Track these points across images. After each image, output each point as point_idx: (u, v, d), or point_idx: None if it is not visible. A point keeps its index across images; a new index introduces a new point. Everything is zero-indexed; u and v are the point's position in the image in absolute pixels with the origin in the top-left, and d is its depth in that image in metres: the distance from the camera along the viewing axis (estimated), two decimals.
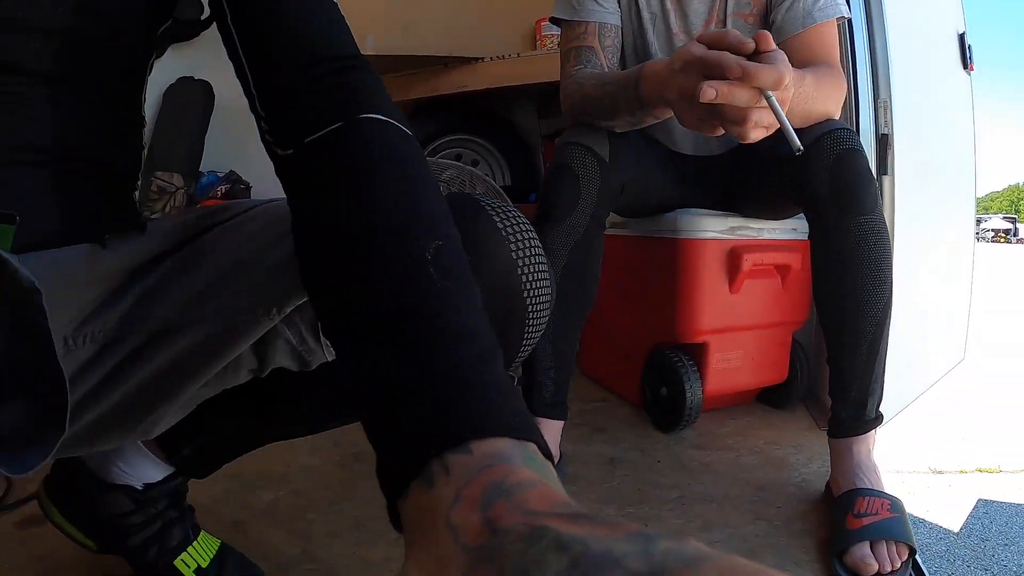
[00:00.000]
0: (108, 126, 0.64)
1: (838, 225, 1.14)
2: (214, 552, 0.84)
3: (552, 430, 1.25)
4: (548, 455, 0.37)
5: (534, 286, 0.66)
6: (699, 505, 1.17)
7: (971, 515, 2.71)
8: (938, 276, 2.24)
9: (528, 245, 0.65)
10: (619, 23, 1.37)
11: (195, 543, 0.83)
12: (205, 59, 2.55)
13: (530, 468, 0.34)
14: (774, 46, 0.94)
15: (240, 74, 0.55)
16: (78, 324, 0.58)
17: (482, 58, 2.53)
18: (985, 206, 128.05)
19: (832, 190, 1.13)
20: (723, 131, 1.01)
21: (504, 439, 0.35)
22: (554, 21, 1.40)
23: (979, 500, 2.78)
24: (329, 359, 0.68)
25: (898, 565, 0.97)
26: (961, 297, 2.45)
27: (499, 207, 0.66)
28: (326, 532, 1.06)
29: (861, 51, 1.77)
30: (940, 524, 2.61)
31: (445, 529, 0.31)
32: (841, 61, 1.37)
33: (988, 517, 2.73)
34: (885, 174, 1.72)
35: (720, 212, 1.51)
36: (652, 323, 1.63)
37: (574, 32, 1.34)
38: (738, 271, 1.51)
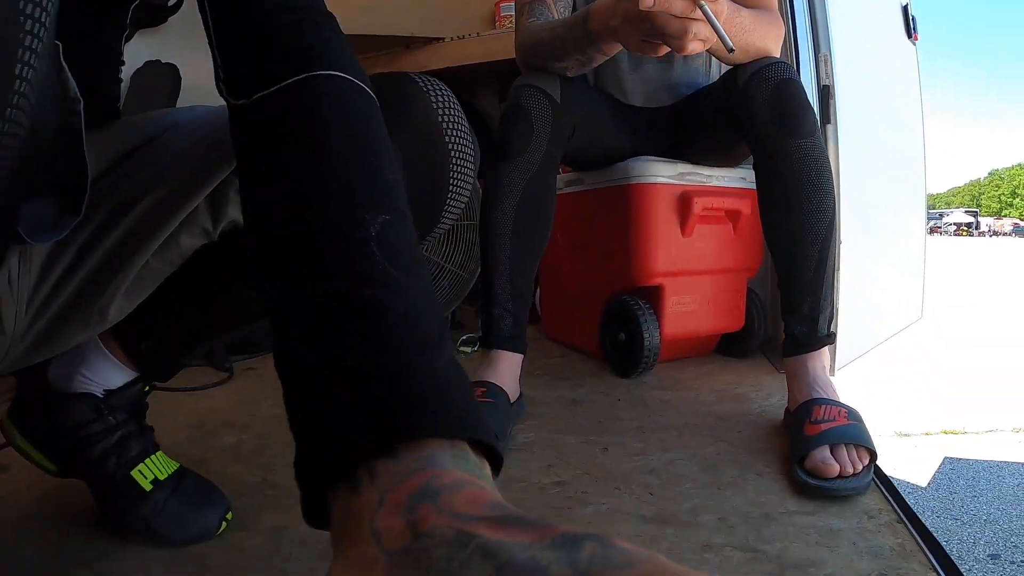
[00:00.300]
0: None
1: (780, 148, 1.20)
2: (173, 470, 0.85)
3: (511, 363, 1.27)
4: (488, 447, 0.37)
5: (455, 135, 0.73)
6: (659, 433, 1.20)
7: (938, 471, 2.77)
8: (890, 231, 2.30)
9: (449, 103, 0.72)
10: None
11: (153, 456, 0.84)
12: (172, 44, 2.56)
13: (460, 469, 0.34)
14: None
15: (203, 16, 0.54)
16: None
17: (443, 38, 2.56)
18: (947, 201, 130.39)
19: (773, 116, 1.20)
20: (666, 49, 1.08)
21: (434, 440, 0.35)
22: None
23: (945, 458, 2.85)
24: None
25: (860, 468, 0.96)
26: (915, 253, 2.51)
27: (426, 78, 0.72)
28: (287, 465, 1.06)
29: (800, 7, 1.83)
30: (908, 480, 2.66)
31: (369, 534, 0.31)
32: (782, 14, 1.43)
33: (955, 473, 2.80)
34: (828, 123, 1.77)
35: (670, 160, 1.56)
36: (609, 271, 1.66)
37: None
38: (689, 214, 1.55)
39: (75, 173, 0.55)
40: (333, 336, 0.39)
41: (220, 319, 0.83)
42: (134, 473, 0.81)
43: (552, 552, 0.26)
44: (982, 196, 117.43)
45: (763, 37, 1.24)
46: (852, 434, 1.00)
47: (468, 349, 1.86)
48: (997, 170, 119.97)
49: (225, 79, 0.52)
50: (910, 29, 2.48)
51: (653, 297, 1.58)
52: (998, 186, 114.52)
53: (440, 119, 0.72)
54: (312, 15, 0.53)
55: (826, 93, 1.79)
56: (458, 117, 0.74)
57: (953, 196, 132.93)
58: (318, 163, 0.45)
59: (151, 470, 0.82)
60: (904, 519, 0.86)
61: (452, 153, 0.74)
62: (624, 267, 1.59)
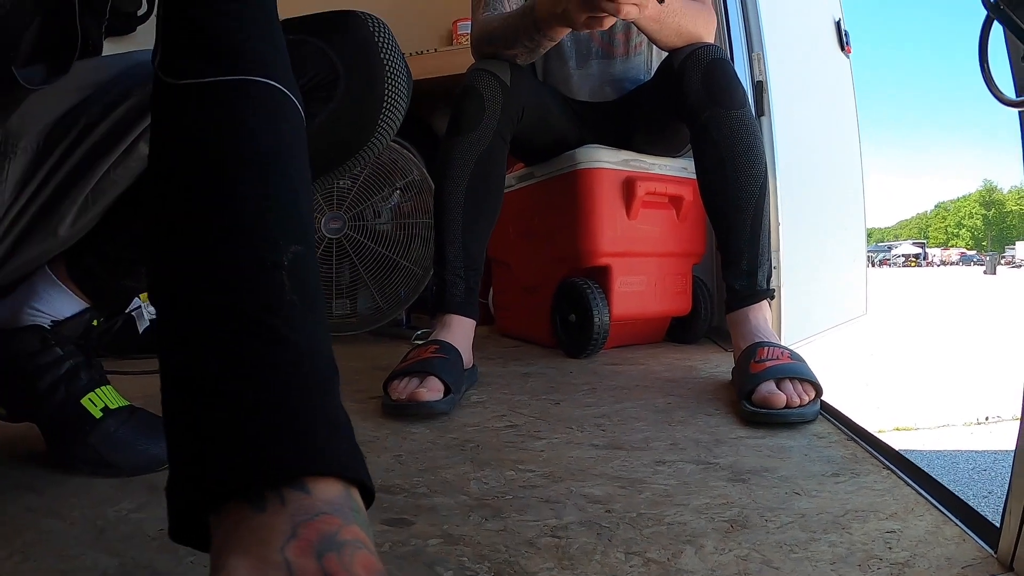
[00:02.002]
0: None
1: (714, 118, 1.28)
2: (125, 404, 0.84)
3: (464, 327, 1.30)
4: (370, 494, 0.40)
5: (389, 53, 0.81)
6: (611, 392, 1.22)
7: None
8: (830, 223, 2.38)
9: (384, 30, 0.81)
10: None
11: (104, 388, 0.83)
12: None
13: (357, 524, 0.36)
14: None
15: None
16: (49, 133, 0.72)
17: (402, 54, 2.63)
18: (895, 234, 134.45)
19: (705, 90, 1.29)
20: (611, 20, 1.17)
21: (336, 482, 0.37)
22: None
23: (900, 450, 2.92)
24: None
25: (806, 400, 0.99)
26: (856, 246, 2.60)
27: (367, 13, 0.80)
28: None
29: (734, 7, 1.93)
30: None
31: (281, 561, 0.33)
32: (716, 13, 1.53)
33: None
34: (763, 115, 1.86)
35: (615, 149, 1.63)
36: (559, 255, 1.70)
37: None
38: (633, 198, 1.61)
39: (67, 42, 0.61)
40: (236, 358, 0.39)
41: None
42: (84, 401, 0.81)
43: None
44: (929, 228, 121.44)
45: (694, 22, 1.34)
46: (796, 369, 1.04)
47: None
48: (943, 202, 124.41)
49: (162, 56, 0.51)
50: (843, 42, 2.61)
51: (601, 278, 1.62)
52: (944, 218, 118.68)
53: (376, 39, 0.80)
54: (262, 20, 0.53)
55: (760, 88, 1.88)
56: (392, 42, 0.82)
57: (901, 229, 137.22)
58: (239, 170, 0.45)
59: (101, 399, 0.82)
60: (855, 436, 0.90)
61: (386, 66, 0.81)
62: (573, 249, 1.63)
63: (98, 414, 0.80)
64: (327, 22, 0.79)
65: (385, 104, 0.82)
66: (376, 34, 0.80)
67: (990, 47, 0.70)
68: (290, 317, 0.41)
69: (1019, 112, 0.67)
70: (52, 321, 0.83)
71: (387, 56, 0.81)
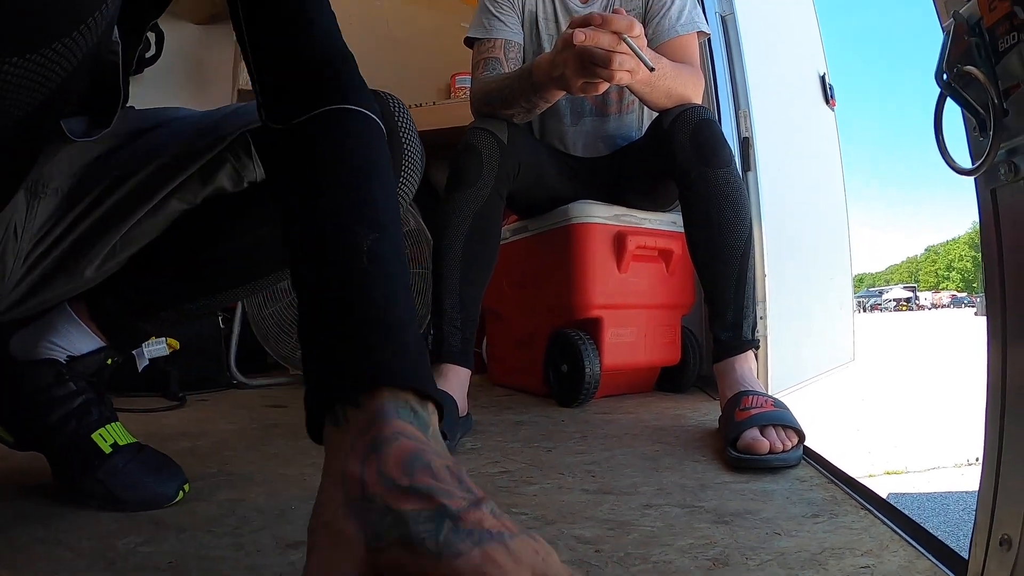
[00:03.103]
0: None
1: (702, 176, 1.35)
2: (133, 441, 0.88)
3: (460, 377, 1.34)
4: (430, 397, 0.50)
5: (406, 133, 0.88)
6: (601, 440, 1.25)
7: None
8: (816, 274, 2.44)
9: (403, 110, 0.89)
10: (522, 43, 1.65)
11: (114, 424, 0.86)
12: (148, 93, 2.66)
13: (402, 419, 0.47)
14: (626, 15, 1.18)
15: (244, 54, 0.67)
16: (81, 178, 0.79)
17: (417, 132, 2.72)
18: (886, 279, 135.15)
19: (694, 150, 1.36)
20: (605, 85, 1.23)
21: (386, 390, 0.47)
22: (468, 43, 1.65)
23: (890, 494, 2.93)
24: (259, 177, 0.86)
25: (789, 446, 1.03)
26: (843, 296, 2.65)
27: (386, 92, 0.89)
28: (243, 461, 1.11)
29: (721, 67, 2.02)
30: None
31: (340, 474, 0.44)
32: (705, 74, 1.65)
33: (900, 504, 2.88)
34: (749, 170, 1.93)
35: (607, 204, 1.69)
36: (551, 307, 1.75)
37: (484, 47, 1.60)
38: (624, 252, 1.67)
39: (109, 98, 0.68)
40: (331, 310, 0.53)
41: (183, 285, 0.89)
42: (94, 436, 0.84)
43: (428, 524, 0.40)
44: (920, 272, 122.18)
45: (684, 85, 1.42)
46: (780, 417, 1.08)
47: None
48: (933, 246, 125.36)
49: (265, 105, 0.66)
50: (827, 95, 2.71)
51: (593, 329, 1.66)
52: (934, 261, 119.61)
53: (396, 118, 0.87)
54: (344, 59, 0.69)
55: (746, 144, 1.95)
56: (410, 121, 0.89)
57: (891, 274, 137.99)
58: (336, 183, 0.59)
59: (111, 435, 0.85)
60: (836, 480, 0.93)
61: (404, 144, 0.88)
62: (565, 302, 1.68)
63: (108, 449, 0.83)
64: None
65: (402, 176, 0.88)
66: (396, 113, 0.88)
67: (944, 120, 0.75)
68: (367, 278, 0.54)
69: (974, 180, 0.72)
70: (68, 356, 0.86)
71: (405, 134, 0.88)
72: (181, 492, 0.86)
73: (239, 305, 2.14)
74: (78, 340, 0.87)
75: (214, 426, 1.40)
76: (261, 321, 2.11)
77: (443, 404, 0.52)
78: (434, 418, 0.50)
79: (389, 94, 0.88)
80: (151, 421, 1.42)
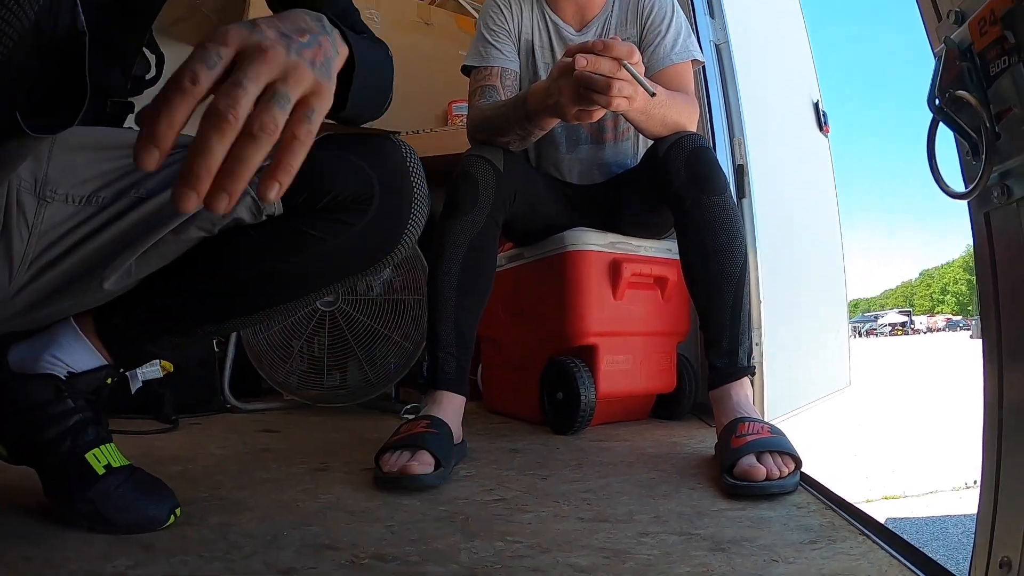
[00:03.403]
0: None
1: (697, 203, 1.35)
2: (126, 463, 0.87)
3: (455, 404, 1.34)
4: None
5: (416, 177, 0.91)
6: (597, 467, 1.25)
7: None
8: (811, 300, 2.44)
9: (413, 155, 0.92)
10: (518, 71, 1.66)
11: (109, 445, 0.86)
12: None
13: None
14: (625, 42, 1.17)
15: None
16: (101, 185, 0.79)
17: (399, 132, 2.72)
18: (881, 304, 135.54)
19: (689, 177, 1.36)
20: (600, 112, 1.23)
21: None
22: (465, 70, 1.67)
23: (888, 519, 2.91)
24: (277, 211, 0.86)
25: (786, 472, 1.03)
26: (838, 321, 2.66)
27: (396, 136, 0.93)
28: (235, 485, 1.10)
29: (715, 95, 2.04)
30: None
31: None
32: (699, 102, 1.64)
33: (899, 529, 2.86)
34: (744, 197, 1.94)
35: (603, 231, 1.69)
36: (547, 335, 1.74)
37: (481, 75, 1.62)
38: (619, 279, 1.67)
39: (74, 95, 0.64)
40: None
41: (196, 310, 0.89)
42: (88, 456, 0.83)
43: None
44: (914, 296, 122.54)
45: (679, 113, 1.43)
46: (776, 443, 1.08)
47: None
48: (927, 270, 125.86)
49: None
50: (821, 122, 2.73)
51: (588, 357, 1.65)
52: (929, 285, 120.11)
53: (407, 165, 0.91)
54: None
55: (740, 171, 1.97)
56: (419, 168, 0.93)
57: (886, 299, 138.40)
58: None
59: (105, 456, 0.85)
60: (833, 505, 0.93)
61: (414, 189, 0.91)
62: (561, 329, 1.68)
63: (101, 470, 0.83)
64: (368, 144, 0.89)
65: (410, 221, 0.91)
66: (407, 160, 0.91)
67: (937, 145, 0.76)
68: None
69: (968, 203, 0.73)
70: (68, 372, 0.86)
71: (415, 180, 0.91)
72: (172, 516, 0.85)
73: None
74: (80, 356, 0.87)
75: (207, 450, 1.39)
76: (256, 345, 2.10)
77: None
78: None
79: (401, 140, 0.91)
80: (143, 443, 1.41)
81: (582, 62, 1.14)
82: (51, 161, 0.76)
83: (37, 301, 0.79)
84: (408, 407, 1.94)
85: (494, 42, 1.64)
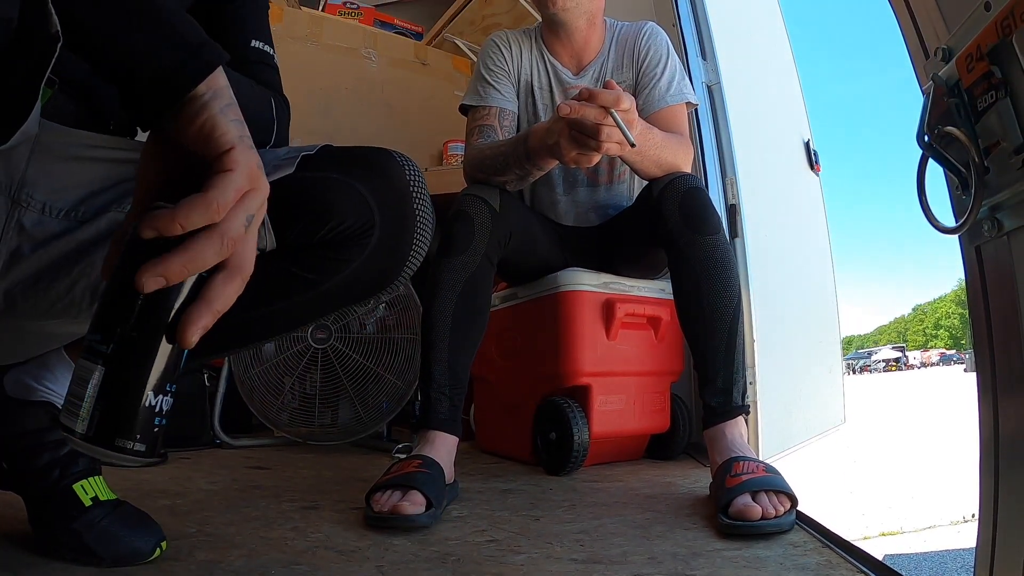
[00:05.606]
0: None
1: (691, 244, 1.36)
2: (114, 497, 0.86)
3: (447, 444, 1.32)
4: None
5: (420, 201, 0.88)
6: (590, 508, 1.24)
7: None
8: (805, 338, 2.45)
9: (417, 176, 0.89)
10: (516, 111, 1.68)
11: (97, 477, 0.85)
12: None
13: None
14: (617, 87, 1.19)
15: None
16: (82, 197, 0.77)
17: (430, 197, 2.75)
18: (875, 340, 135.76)
19: (683, 218, 1.37)
20: (597, 157, 1.25)
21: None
22: (463, 109, 1.69)
23: (886, 555, 2.88)
24: (268, 245, 0.82)
25: (782, 511, 1.02)
26: (832, 359, 2.66)
27: (402, 155, 0.89)
28: (223, 521, 1.09)
29: (708, 135, 2.06)
30: None
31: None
32: (692, 142, 1.65)
33: (897, 565, 2.83)
34: (736, 236, 1.95)
35: (596, 272, 1.70)
36: (540, 375, 1.74)
37: (479, 114, 1.63)
38: (613, 319, 1.67)
39: (19, 109, 0.62)
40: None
41: None
42: (76, 487, 0.82)
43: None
44: (908, 331, 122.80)
45: (674, 154, 1.44)
46: (771, 482, 1.07)
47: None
48: (920, 305, 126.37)
49: None
50: (812, 161, 2.77)
51: (582, 397, 1.65)
52: (922, 320, 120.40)
53: (411, 189, 0.87)
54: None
55: (733, 211, 1.98)
56: (424, 190, 0.89)
57: (880, 335, 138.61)
58: None
59: (93, 488, 0.84)
60: (830, 543, 0.92)
61: (417, 217, 0.88)
62: (554, 369, 1.67)
63: (88, 502, 0.82)
64: (369, 165, 0.86)
65: (411, 254, 0.89)
66: (411, 183, 0.88)
67: (927, 181, 0.77)
68: None
69: (958, 237, 0.73)
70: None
71: (419, 206, 0.88)
72: (158, 550, 0.84)
73: (225, 363, 2.12)
74: None
75: (195, 485, 1.38)
76: (247, 381, 2.08)
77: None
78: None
79: (406, 157, 0.89)
80: (130, 476, 1.39)
81: (565, 109, 1.16)
82: (31, 165, 0.75)
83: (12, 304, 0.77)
84: (400, 446, 1.92)
85: (493, 82, 1.65)
